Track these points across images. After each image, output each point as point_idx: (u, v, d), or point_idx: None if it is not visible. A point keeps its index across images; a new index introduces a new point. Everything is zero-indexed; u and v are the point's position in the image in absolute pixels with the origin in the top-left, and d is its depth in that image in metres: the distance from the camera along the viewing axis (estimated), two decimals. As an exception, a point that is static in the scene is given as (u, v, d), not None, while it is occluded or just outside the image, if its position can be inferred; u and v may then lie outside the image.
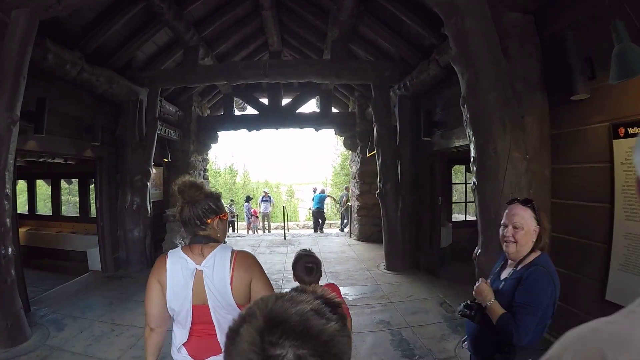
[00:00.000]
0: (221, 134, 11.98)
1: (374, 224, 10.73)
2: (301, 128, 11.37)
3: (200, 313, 1.91)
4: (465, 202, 9.70)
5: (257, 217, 17.20)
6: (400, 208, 7.20)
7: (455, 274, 7.15)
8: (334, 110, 11.75)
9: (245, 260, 1.98)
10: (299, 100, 11.40)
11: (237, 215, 18.21)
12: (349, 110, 11.96)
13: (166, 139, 10.13)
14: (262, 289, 1.94)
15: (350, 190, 12.56)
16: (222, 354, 1.52)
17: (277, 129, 11.39)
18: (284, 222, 12.56)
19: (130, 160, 7.95)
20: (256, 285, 1.95)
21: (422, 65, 6.46)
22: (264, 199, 17.34)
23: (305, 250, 2.72)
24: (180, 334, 1.96)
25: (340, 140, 37.08)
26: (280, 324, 0.69)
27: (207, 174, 12.89)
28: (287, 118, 11.07)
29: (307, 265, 2.57)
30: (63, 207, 11.13)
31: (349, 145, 11.33)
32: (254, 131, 11.41)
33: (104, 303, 6.04)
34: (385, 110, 7.36)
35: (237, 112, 12.48)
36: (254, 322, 0.71)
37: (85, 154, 7.14)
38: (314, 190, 16.40)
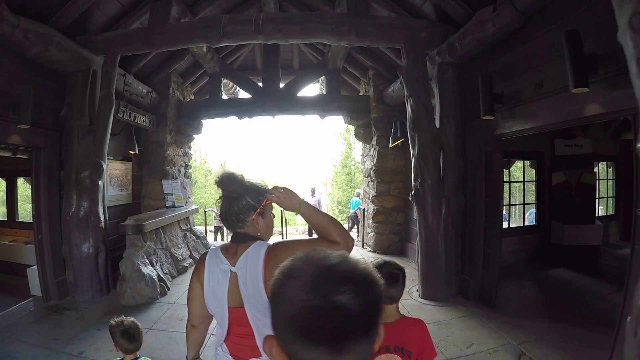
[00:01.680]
0: (208, 124, 10.17)
1: (392, 232, 8.97)
2: (303, 114, 9.54)
3: (237, 316, 1.86)
4: (509, 204, 7.92)
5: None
6: (444, 215, 5.38)
7: (517, 303, 5.42)
8: (343, 93, 9.90)
9: (277, 253, 1.80)
10: (300, 82, 9.58)
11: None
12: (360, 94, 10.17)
13: (133, 126, 8.28)
14: (298, 243, 1.96)
15: (363, 191, 10.69)
16: (261, 357, 1.80)
17: (273, 115, 9.54)
18: (282, 227, 10.63)
19: (76, 150, 6.11)
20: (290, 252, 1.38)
21: (482, 15, 4.65)
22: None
23: (384, 260, 2.29)
24: (220, 333, 1.95)
25: (343, 136, 36.45)
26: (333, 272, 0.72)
27: (189, 171, 11.01)
28: (286, 102, 9.26)
29: (392, 271, 2.13)
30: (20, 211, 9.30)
31: (362, 136, 9.49)
32: (246, 119, 9.57)
33: (26, 357, 4.25)
34: (422, 82, 5.55)
35: (225, 97, 10.68)
36: (303, 275, 0.72)
37: (10, 140, 5.30)
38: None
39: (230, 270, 1.85)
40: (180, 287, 6.90)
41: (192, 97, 10.88)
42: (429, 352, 2.10)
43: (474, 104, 5.42)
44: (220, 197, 1.97)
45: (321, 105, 9.23)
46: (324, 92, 9.72)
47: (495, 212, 5.19)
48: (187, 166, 10.79)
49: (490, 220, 5.34)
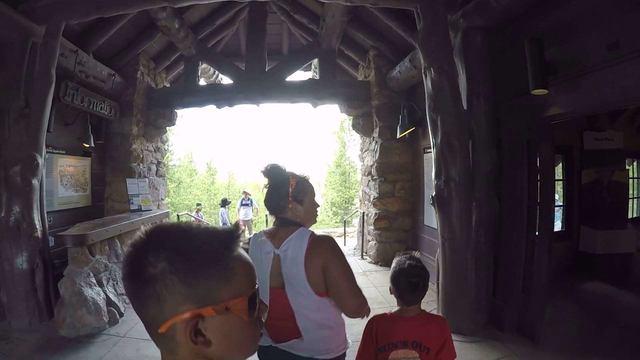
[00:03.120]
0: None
1: (397, 240, 7.74)
2: (292, 102, 8.28)
3: (277, 296, 2.00)
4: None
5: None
6: (474, 223, 4.17)
7: (562, 333, 4.31)
8: (339, 79, 8.68)
9: (319, 245, 2.01)
10: (289, 65, 8.34)
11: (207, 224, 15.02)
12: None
13: (89, 114, 7.06)
14: (338, 277, 1.98)
15: (361, 192, 9.45)
16: (301, 338, 1.97)
17: (257, 104, 8.29)
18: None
19: (5, 140, 4.92)
20: (331, 272, 1.97)
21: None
22: (243, 202, 14.13)
23: (407, 256, 2.26)
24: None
25: (337, 134, 35.62)
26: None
27: (163, 169, 9.75)
28: (273, 88, 8.01)
29: (410, 280, 2.15)
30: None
31: (361, 127, 8.24)
32: (226, 107, 8.33)
33: None
34: (444, 49, 4.32)
35: (204, 83, 9.44)
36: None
37: None
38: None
39: (274, 252, 2.04)
40: (138, 312, 5.67)
41: (168, 85, 9.63)
42: (450, 352, 2.11)
43: (510, 78, 4.28)
44: (265, 186, 2.19)
45: (313, 92, 7.99)
46: (317, 77, 8.49)
47: (544, 221, 3.99)
48: (159, 163, 9.54)
49: (535, 230, 4.15)
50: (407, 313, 2.17)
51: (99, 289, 5.40)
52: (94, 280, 5.39)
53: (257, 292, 0.88)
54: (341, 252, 2.07)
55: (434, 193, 4.35)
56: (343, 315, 2.10)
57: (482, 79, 4.36)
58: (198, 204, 16.13)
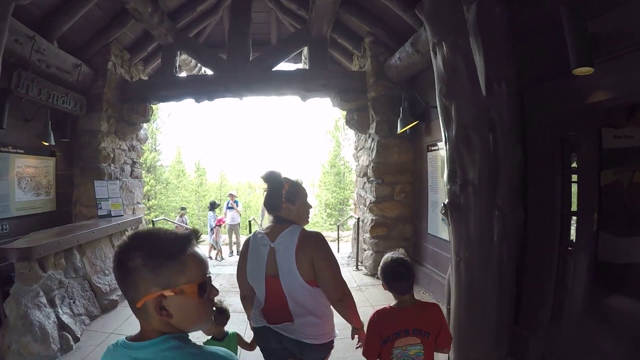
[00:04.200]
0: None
1: (396, 249, 6.92)
2: (280, 95, 7.49)
3: (273, 283, 2.39)
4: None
5: (220, 227, 13.21)
6: (497, 238, 3.41)
7: None
8: (331, 69, 7.91)
9: (308, 240, 2.39)
10: (276, 54, 7.57)
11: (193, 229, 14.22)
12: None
13: (50, 109, 6.27)
14: (325, 269, 2.36)
15: (356, 195, 8.65)
16: (293, 322, 2.36)
17: (241, 97, 7.53)
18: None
19: None
20: (318, 263, 2.35)
21: None
22: (229, 205, 13.29)
23: (392, 252, 2.68)
24: (258, 302, 2.51)
25: (332, 134, 34.99)
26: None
27: (139, 169, 8.95)
28: (258, 80, 7.24)
29: (395, 270, 2.47)
30: None
31: (356, 122, 7.45)
32: (206, 102, 7.55)
33: None
34: (458, 21, 3.53)
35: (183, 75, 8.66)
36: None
37: None
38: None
39: (270, 246, 2.42)
40: (97, 336, 4.91)
41: (146, 79, 8.85)
42: (446, 334, 2.44)
43: (538, 58, 3.54)
44: (264, 189, 2.58)
45: (303, 83, 7.21)
46: (307, 67, 7.73)
47: (583, 235, 3.26)
48: (135, 163, 8.72)
49: (568, 245, 3.42)
50: (403, 304, 2.42)
51: (50, 310, 4.65)
52: (44, 301, 4.64)
53: (208, 280, 1.23)
54: (328, 246, 2.47)
55: (447, 201, 3.56)
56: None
57: (503, 60, 3.59)
58: (182, 208, 15.32)
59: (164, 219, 11.47)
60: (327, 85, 7.23)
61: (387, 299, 5.49)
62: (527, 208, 3.67)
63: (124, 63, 7.91)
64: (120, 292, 6.08)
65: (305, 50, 8.11)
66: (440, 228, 5.68)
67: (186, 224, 13.78)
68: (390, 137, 6.81)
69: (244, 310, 2.76)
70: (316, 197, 35.58)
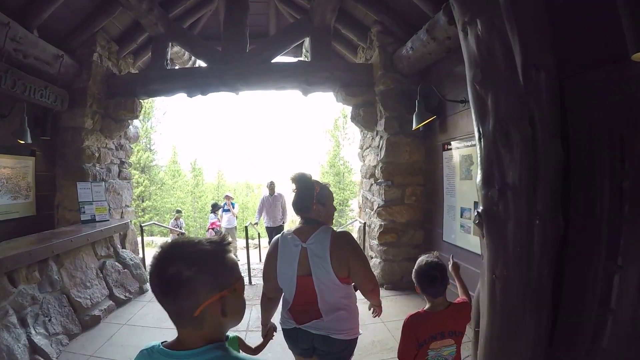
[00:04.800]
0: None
1: (407, 257, 6.38)
2: (279, 89, 6.94)
3: (304, 282, 2.49)
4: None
5: (214, 231, 12.70)
6: (537, 251, 2.88)
7: None
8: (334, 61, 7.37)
9: (341, 240, 2.52)
10: (275, 45, 7.00)
11: (188, 232, 13.71)
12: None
13: (26, 103, 5.76)
14: (359, 265, 2.53)
15: (362, 198, 8.11)
16: (322, 319, 2.48)
17: (237, 91, 6.98)
18: (247, 250, 7.85)
19: None
20: (353, 261, 2.51)
21: None
22: (225, 208, 12.75)
23: (427, 255, 2.73)
24: (286, 302, 2.62)
25: (331, 133, 34.54)
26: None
27: (128, 170, 8.41)
28: (255, 72, 6.69)
29: (430, 274, 2.55)
30: None
31: (362, 119, 6.89)
32: (199, 96, 7.00)
33: None
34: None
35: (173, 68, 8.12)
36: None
37: None
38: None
39: (302, 246, 2.51)
40: (76, 359, 4.39)
41: (136, 72, 8.31)
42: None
43: (580, 44, 3.00)
44: (293, 190, 2.67)
45: (304, 76, 6.65)
46: (308, 58, 7.18)
47: (632, 248, 2.73)
48: (123, 163, 8.18)
49: (617, 259, 2.89)
50: (437, 307, 2.50)
51: (21, 331, 4.14)
52: (14, 320, 4.12)
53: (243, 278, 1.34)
54: (358, 244, 2.66)
55: (481, 208, 3.02)
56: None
57: (541, 45, 3.06)
58: (178, 211, 14.77)
59: (155, 224, 10.94)
60: (330, 78, 6.69)
61: (398, 314, 4.96)
62: (567, 216, 3.15)
63: (111, 55, 7.39)
64: (103, 307, 5.58)
65: (307, 42, 7.58)
66: (458, 235, 5.16)
67: (181, 228, 13.29)
68: (400, 134, 6.27)
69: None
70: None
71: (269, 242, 8.88)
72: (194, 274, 1.16)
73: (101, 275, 5.86)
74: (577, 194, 3.22)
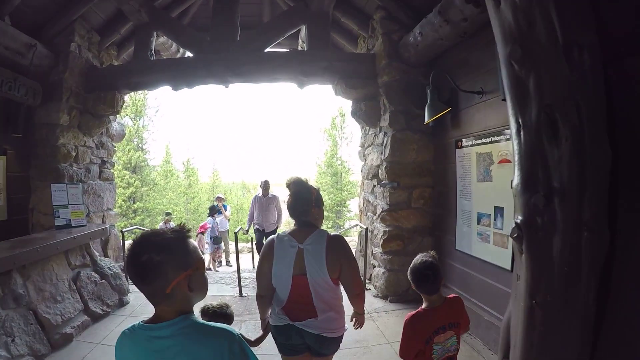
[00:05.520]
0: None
1: (428, 251, 5.80)
2: (272, 81, 6.42)
3: (299, 281, 2.61)
4: None
5: (203, 235, 12.17)
6: (585, 269, 2.36)
7: None
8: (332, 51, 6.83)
9: (336, 242, 2.67)
10: (268, 33, 6.47)
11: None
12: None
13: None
14: (349, 270, 2.67)
15: (363, 200, 7.57)
16: (317, 317, 2.60)
17: (226, 84, 6.45)
18: (237, 258, 7.30)
19: None
20: (345, 264, 2.66)
21: None
22: (211, 209, 12.20)
23: (422, 254, 2.79)
24: (279, 301, 2.69)
25: (329, 132, 34.14)
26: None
27: (110, 170, 7.86)
28: (247, 62, 6.17)
29: (423, 272, 2.64)
30: None
31: (364, 114, 6.36)
32: (185, 89, 6.49)
33: None
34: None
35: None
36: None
37: None
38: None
39: (299, 247, 2.63)
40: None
41: (119, 64, 7.76)
42: (466, 319, 2.74)
43: (629, 23, 2.49)
44: (288, 195, 2.79)
45: (299, 66, 6.12)
46: (305, 47, 6.64)
47: None
48: (104, 163, 7.63)
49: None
50: (434, 304, 2.62)
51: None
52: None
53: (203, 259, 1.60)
54: (350, 249, 2.79)
55: (520, 218, 2.49)
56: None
57: (582, 20, 2.55)
58: (167, 214, 14.22)
59: (138, 228, 10.38)
60: (329, 69, 6.15)
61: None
62: (613, 228, 2.63)
63: (92, 46, 6.89)
64: (76, 323, 5.04)
65: (303, 32, 7.04)
66: (473, 244, 4.64)
67: None
68: (407, 130, 5.75)
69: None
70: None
71: (257, 248, 8.28)
72: (162, 258, 1.39)
73: (74, 287, 5.31)
74: (626, 200, 2.71)
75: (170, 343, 1.41)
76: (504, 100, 3.67)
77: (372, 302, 5.88)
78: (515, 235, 2.50)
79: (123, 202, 24.46)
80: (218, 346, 1.43)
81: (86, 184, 6.90)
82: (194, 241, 1.60)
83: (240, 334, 2.69)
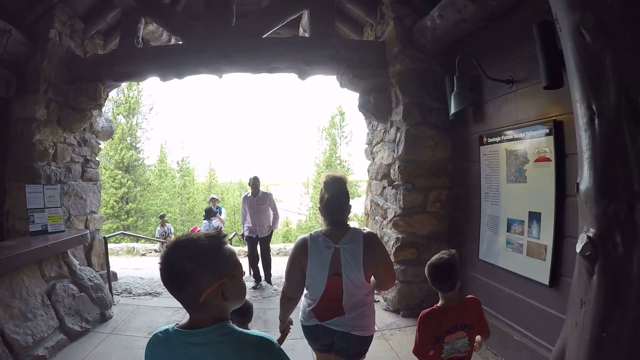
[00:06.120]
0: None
1: (449, 249, 5.26)
2: (270, 71, 5.83)
3: (333, 281, 2.61)
4: None
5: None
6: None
7: None
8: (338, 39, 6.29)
9: (372, 241, 2.67)
10: (267, 17, 5.90)
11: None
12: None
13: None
14: (385, 265, 2.69)
15: (370, 203, 6.93)
16: (345, 315, 2.61)
17: (220, 74, 5.92)
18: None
19: None
20: (382, 261, 2.67)
21: None
22: (208, 211, 11.64)
23: (441, 252, 2.79)
24: (310, 302, 2.71)
25: (327, 131, 33.77)
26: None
27: (94, 169, 7.29)
28: (242, 49, 5.63)
29: (439, 270, 2.66)
30: None
31: (372, 107, 5.79)
32: (174, 80, 5.97)
33: None
34: None
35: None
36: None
37: None
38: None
39: (334, 247, 2.61)
40: None
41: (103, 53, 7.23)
42: (485, 326, 2.72)
43: None
44: (324, 196, 2.72)
45: (302, 54, 5.57)
46: (307, 34, 6.10)
47: None
48: (87, 162, 7.06)
49: None
50: (450, 302, 2.60)
51: None
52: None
53: (241, 263, 1.51)
54: (384, 245, 2.94)
55: (594, 232, 1.96)
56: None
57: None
58: (162, 216, 13.68)
59: (123, 233, 9.90)
60: (334, 58, 5.59)
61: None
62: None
63: (74, 34, 6.41)
64: (50, 343, 4.50)
65: (305, 18, 6.50)
66: (501, 254, 4.10)
67: (171, 233, 12.43)
68: (422, 125, 5.20)
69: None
70: (311, 199, 34.33)
71: (250, 261, 7.48)
72: (195, 267, 1.35)
73: (49, 302, 4.74)
74: None
75: (207, 350, 1.38)
76: (547, 87, 3.16)
77: (382, 317, 5.34)
78: (588, 254, 1.96)
79: (115, 203, 24.04)
80: (256, 357, 1.40)
81: (66, 184, 6.38)
82: (231, 247, 1.51)
83: None
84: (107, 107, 26.08)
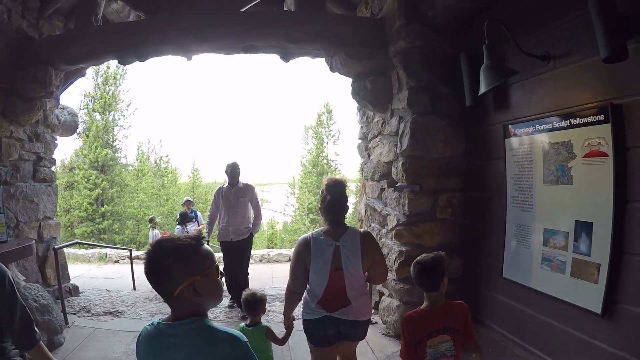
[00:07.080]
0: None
1: (439, 252, 4.45)
2: (248, 51, 5.01)
3: (335, 276, 2.90)
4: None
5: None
6: None
7: None
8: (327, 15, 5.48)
9: (368, 239, 3.03)
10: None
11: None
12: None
13: None
14: (380, 261, 3.06)
15: (365, 208, 6.06)
16: (350, 305, 2.91)
17: (189, 55, 5.13)
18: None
19: None
20: (377, 258, 3.03)
21: None
22: (183, 216, 10.86)
23: (430, 254, 2.79)
24: (315, 296, 2.97)
25: (314, 129, 33.18)
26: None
27: (49, 168, 6.44)
28: (214, 23, 4.82)
29: (423, 268, 2.69)
30: None
31: (369, 94, 4.96)
32: (136, 63, 5.18)
33: None
34: None
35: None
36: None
37: None
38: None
39: (335, 244, 2.91)
40: None
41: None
42: (472, 333, 2.69)
43: None
44: (326, 197, 3.02)
45: (284, 30, 4.75)
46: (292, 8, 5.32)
47: None
48: (40, 159, 6.21)
49: None
50: (434, 305, 2.63)
51: None
52: None
53: (217, 264, 1.64)
54: (378, 243, 3.38)
55: None
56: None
57: None
58: (151, 219, 13.09)
59: (79, 242, 9.11)
60: (322, 35, 4.78)
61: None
62: None
63: (27, 12, 5.78)
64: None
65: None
66: (535, 273, 3.35)
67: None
68: (432, 114, 4.39)
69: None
70: (297, 200, 33.77)
71: (226, 271, 6.58)
72: (170, 262, 1.48)
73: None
74: None
75: (180, 342, 1.50)
76: (608, 59, 2.42)
77: (382, 343, 4.54)
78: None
79: (89, 205, 23.09)
80: (220, 352, 1.50)
81: (13, 186, 5.59)
82: (210, 248, 1.63)
83: (270, 329, 3.41)
84: (82, 103, 25.29)
